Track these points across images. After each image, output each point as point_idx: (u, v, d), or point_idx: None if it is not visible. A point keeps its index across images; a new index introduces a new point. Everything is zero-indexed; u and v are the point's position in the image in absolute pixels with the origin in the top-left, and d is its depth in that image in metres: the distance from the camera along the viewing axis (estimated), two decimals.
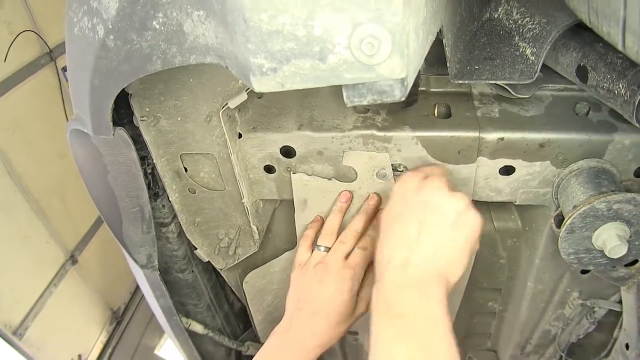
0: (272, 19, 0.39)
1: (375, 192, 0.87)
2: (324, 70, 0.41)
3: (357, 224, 0.87)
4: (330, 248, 0.88)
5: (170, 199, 0.90)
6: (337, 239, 0.88)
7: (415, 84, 0.84)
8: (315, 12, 0.38)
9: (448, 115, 0.82)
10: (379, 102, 0.44)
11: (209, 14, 0.48)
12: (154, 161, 0.83)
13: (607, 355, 1.10)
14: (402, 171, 0.84)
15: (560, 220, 0.78)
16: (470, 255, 0.70)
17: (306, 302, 0.84)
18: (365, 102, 0.44)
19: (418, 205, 0.70)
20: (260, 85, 0.43)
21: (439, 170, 0.78)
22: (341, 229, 0.90)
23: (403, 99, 0.43)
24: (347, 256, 0.86)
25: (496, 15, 0.82)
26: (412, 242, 0.68)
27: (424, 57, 0.51)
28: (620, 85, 0.65)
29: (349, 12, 0.38)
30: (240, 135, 0.82)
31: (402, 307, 0.65)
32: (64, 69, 2.79)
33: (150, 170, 0.88)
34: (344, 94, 0.44)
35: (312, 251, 0.90)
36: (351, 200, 0.89)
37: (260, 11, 0.39)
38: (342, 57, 0.40)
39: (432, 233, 0.68)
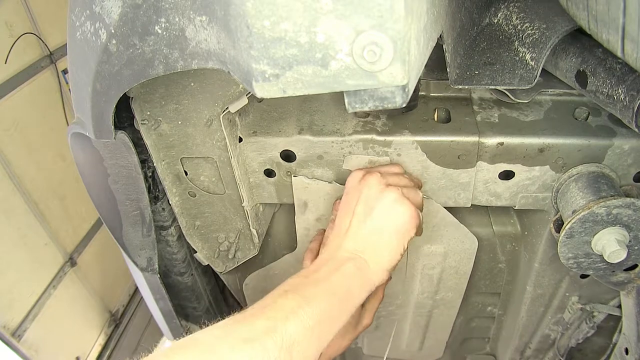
0: (275, 25, 0.40)
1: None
2: (326, 77, 0.42)
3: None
4: None
5: (170, 203, 0.90)
6: None
7: (416, 89, 0.84)
8: (317, 19, 0.39)
9: (448, 120, 0.82)
10: (380, 108, 0.44)
11: (212, 19, 0.48)
12: (155, 164, 0.83)
13: None
14: None
15: (559, 224, 0.79)
16: (401, 244, 0.73)
17: None
18: (366, 108, 0.44)
19: (354, 198, 0.76)
20: (263, 91, 0.43)
21: (389, 168, 0.80)
22: None
23: (404, 105, 0.44)
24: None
25: (496, 21, 0.82)
26: (343, 231, 0.74)
27: (425, 63, 0.51)
28: (620, 91, 0.66)
29: (352, 20, 0.38)
30: (240, 139, 0.82)
31: (314, 274, 0.68)
32: (64, 72, 2.79)
33: (150, 174, 0.88)
34: (346, 100, 0.44)
35: None
36: None
37: (263, 18, 0.39)
38: (344, 64, 0.41)
39: (361, 225, 0.73)
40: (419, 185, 0.82)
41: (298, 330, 0.58)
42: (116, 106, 0.66)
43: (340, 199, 0.87)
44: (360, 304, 0.70)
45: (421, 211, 0.77)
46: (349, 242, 0.73)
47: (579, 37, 0.74)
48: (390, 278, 0.98)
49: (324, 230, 0.93)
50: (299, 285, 0.65)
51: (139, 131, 0.78)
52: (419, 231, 0.76)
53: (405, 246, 0.74)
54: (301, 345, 0.57)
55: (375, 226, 0.73)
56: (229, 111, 0.76)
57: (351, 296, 0.68)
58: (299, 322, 0.59)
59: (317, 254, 0.91)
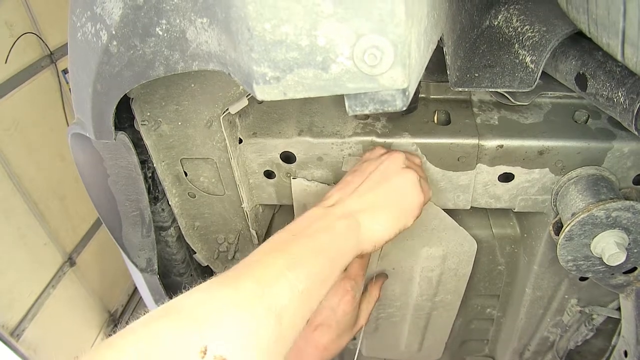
0: (275, 28, 0.40)
1: None
2: (327, 80, 0.42)
3: None
4: None
5: (170, 203, 0.90)
6: None
7: (416, 91, 0.84)
8: (318, 22, 0.39)
9: (447, 122, 0.82)
10: (380, 111, 0.44)
11: (213, 21, 0.48)
12: (154, 165, 0.83)
13: None
14: None
15: (559, 227, 0.79)
16: (399, 224, 0.70)
17: None
18: (367, 112, 0.44)
19: (372, 166, 0.73)
20: (263, 93, 0.44)
21: (413, 157, 0.79)
22: None
23: (405, 108, 0.44)
24: (346, 268, 0.86)
25: (496, 23, 0.82)
26: (350, 189, 0.70)
27: (425, 66, 0.51)
28: (620, 94, 0.66)
29: (352, 23, 0.38)
30: (240, 141, 0.82)
31: (304, 230, 0.63)
32: (64, 72, 2.79)
33: (150, 174, 0.88)
34: (346, 103, 0.45)
35: None
36: None
37: (264, 21, 0.40)
38: (345, 67, 0.41)
39: (371, 188, 0.70)
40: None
41: (287, 294, 0.53)
42: (116, 107, 0.66)
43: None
44: (346, 266, 0.65)
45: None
46: (352, 201, 0.69)
47: (579, 40, 0.74)
48: (387, 277, 0.99)
49: None
50: (287, 243, 0.60)
51: (139, 132, 0.79)
52: (414, 224, 0.74)
53: (397, 230, 0.71)
54: (290, 311, 0.53)
55: (385, 195, 0.70)
56: (229, 112, 0.76)
57: (341, 258, 0.63)
58: (288, 285, 0.54)
59: None
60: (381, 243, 0.69)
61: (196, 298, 0.50)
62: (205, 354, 0.43)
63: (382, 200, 0.69)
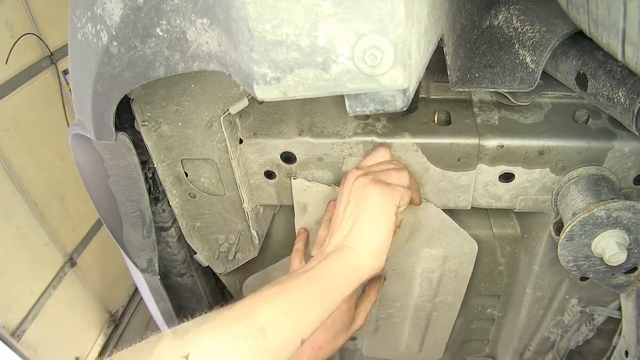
0: (276, 29, 0.40)
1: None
2: (327, 80, 0.42)
3: (323, 233, 0.86)
4: None
5: (170, 204, 0.90)
6: None
7: (416, 91, 0.84)
8: (319, 23, 0.39)
9: (448, 122, 0.82)
10: (381, 111, 0.44)
11: (213, 22, 0.48)
12: (155, 166, 0.83)
13: None
14: None
15: (559, 227, 0.79)
16: (385, 223, 0.72)
17: None
18: (367, 112, 0.44)
19: (345, 193, 0.75)
20: (264, 94, 0.44)
21: (372, 157, 0.80)
22: None
23: (405, 108, 0.44)
24: None
25: (496, 23, 0.82)
26: (335, 226, 0.74)
27: (426, 66, 0.51)
28: (620, 93, 0.66)
29: (353, 24, 0.38)
30: (241, 141, 0.82)
31: (298, 271, 0.68)
32: (65, 72, 2.79)
33: (151, 175, 0.88)
34: (347, 104, 0.45)
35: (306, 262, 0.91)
36: None
37: (265, 21, 0.40)
38: (345, 68, 0.41)
39: (344, 217, 0.73)
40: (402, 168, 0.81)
41: (271, 312, 0.60)
42: (117, 107, 0.66)
43: (335, 200, 0.87)
44: (350, 291, 0.69)
45: (409, 188, 0.76)
46: (336, 238, 0.73)
47: (580, 40, 0.74)
48: (384, 279, 0.99)
49: (306, 230, 0.94)
50: (281, 280, 0.66)
51: (139, 132, 0.79)
52: (415, 200, 0.76)
53: (393, 224, 0.72)
54: (274, 326, 0.59)
55: (355, 215, 0.72)
56: (229, 113, 0.76)
57: (335, 282, 0.67)
58: (272, 306, 0.61)
59: (304, 254, 0.92)
60: (383, 250, 0.72)
61: (189, 323, 0.61)
62: (187, 358, 0.53)
63: (356, 219, 0.72)
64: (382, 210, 0.72)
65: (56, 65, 2.75)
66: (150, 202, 0.83)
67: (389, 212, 0.72)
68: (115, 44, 0.56)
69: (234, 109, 0.75)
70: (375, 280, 0.95)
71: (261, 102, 0.88)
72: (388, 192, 0.72)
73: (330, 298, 0.66)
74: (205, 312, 0.63)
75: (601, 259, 0.73)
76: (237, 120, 0.81)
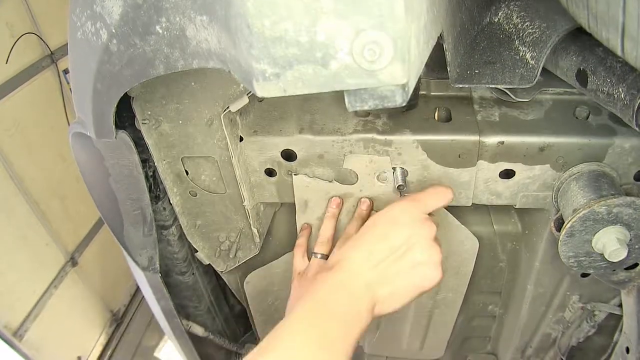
0: (275, 25, 0.40)
1: (366, 197, 0.88)
2: (326, 76, 0.42)
3: (353, 230, 0.86)
4: (327, 255, 0.88)
5: (171, 202, 0.90)
6: (333, 245, 0.89)
7: (416, 88, 0.84)
8: (318, 18, 0.39)
9: (448, 119, 0.82)
10: (380, 107, 0.44)
11: (212, 19, 0.48)
12: (156, 164, 0.84)
13: (607, 359, 1.10)
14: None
15: (560, 223, 0.79)
16: (411, 300, 0.74)
17: None
18: (366, 108, 0.44)
19: (402, 237, 0.73)
20: (263, 90, 0.44)
21: (437, 214, 0.81)
22: (336, 234, 0.91)
23: (404, 104, 0.44)
24: None
25: (496, 20, 0.82)
26: (373, 264, 0.72)
27: (425, 62, 0.51)
28: (620, 89, 0.66)
29: (352, 19, 0.38)
30: (241, 139, 0.82)
31: (329, 304, 0.68)
32: (65, 72, 2.79)
33: (151, 173, 0.88)
34: (346, 99, 0.45)
35: (309, 258, 0.91)
36: (342, 206, 0.89)
37: (264, 17, 0.40)
38: (344, 63, 0.41)
39: (394, 267, 0.72)
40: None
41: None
42: (117, 106, 0.66)
43: (337, 197, 0.87)
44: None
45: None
46: (373, 277, 0.71)
47: (580, 36, 0.74)
48: None
49: (309, 225, 0.94)
50: (313, 320, 0.66)
51: (139, 131, 0.79)
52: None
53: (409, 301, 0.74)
54: None
55: (407, 276, 0.72)
56: (229, 111, 0.76)
57: (356, 326, 0.68)
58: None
59: (306, 249, 0.92)
60: (397, 309, 0.73)
61: None
62: None
63: (404, 281, 0.72)
64: (429, 285, 0.73)
65: (56, 65, 2.75)
66: (151, 201, 0.83)
67: (428, 289, 0.73)
68: (114, 41, 0.56)
69: (234, 107, 0.75)
70: None
71: (261, 100, 0.88)
72: (438, 265, 0.73)
73: (349, 336, 0.66)
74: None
75: (602, 255, 0.73)
76: (238, 118, 0.81)
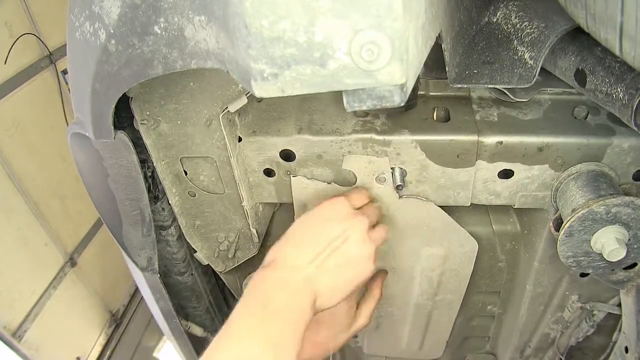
0: (273, 25, 0.40)
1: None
2: (325, 76, 0.42)
3: None
4: None
5: (170, 202, 0.90)
6: None
7: (415, 88, 0.84)
8: (316, 18, 0.39)
9: (447, 119, 0.82)
10: (378, 107, 0.44)
11: (211, 19, 0.48)
12: (154, 164, 0.83)
13: (606, 359, 1.10)
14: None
15: (559, 223, 0.79)
16: (351, 291, 0.75)
17: None
18: (365, 107, 0.44)
19: (335, 231, 0.74)
20: (261, 90, 0.44)
21: (370, 208, 0.82)
22: None
23: (402, 104, 0.44)
24: None
25: (495, 20, 0.82)
26: (310, 258, 0.72)
27: (423, 62, 0.51)
28: (619, 89, 0.66)
29: (350, 19, 0.38)
30: (240, 139, 0.82)
31: (270, 302, 0.68)
32: (64, 72, 2.79)
33: (150, 174, 0.88)
34: (344, 99, 0.45)
35: None
36: None
37: (262, 17, 0.40)
38: (343, 63, 0.41)
39: (330, 261, 0.72)
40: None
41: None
42: (116, 106, 0.66)
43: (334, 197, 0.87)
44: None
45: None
46: (314, 272, 0.72)
47: (578, 36, 0.74)
48: (386, 274, 0.98)
49: None
50: (260, 320, 0.66)
51: (138, 131, 0.79)
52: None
53: (351, 292, 0.75)
54: None
55: (344, 267, 0.73)
56: (228, 111, 0.76)
57: (299, 321, 0.68)
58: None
59: None
60: (336, 304, 0.74)
61: None
62: None
63: (341, 274, 0.73)
64: (364, 275, 0.75)
65: (55, 65, 2.75)
66: (149, 201, 0.83)
67: (364, 279, 0.75)
68: (113, 42, 0.56)
69: (233, 107, 0.75)
70: (378, 276, 0.95)
71: (260, 100, 0.88)
72: (372, 258, 0.75)
73: (293, 331, 0.67)
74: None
75: (601, 255, 0.73)
76: (236, 118, 0.81)
